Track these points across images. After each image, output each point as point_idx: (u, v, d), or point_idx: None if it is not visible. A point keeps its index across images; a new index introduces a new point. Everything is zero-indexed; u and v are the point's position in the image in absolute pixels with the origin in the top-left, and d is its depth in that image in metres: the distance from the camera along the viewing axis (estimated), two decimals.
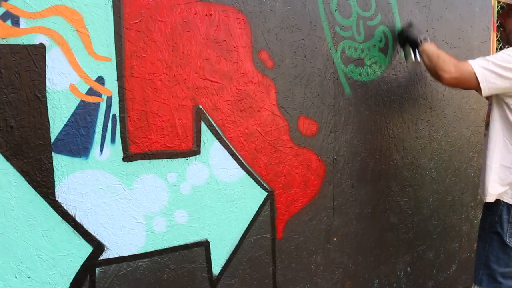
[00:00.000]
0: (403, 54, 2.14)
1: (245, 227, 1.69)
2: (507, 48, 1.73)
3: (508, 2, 1.86)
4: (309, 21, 1.79)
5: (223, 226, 1.62)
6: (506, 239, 1.74)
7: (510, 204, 1.74)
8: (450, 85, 1.78)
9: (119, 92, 1.33)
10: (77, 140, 1.27)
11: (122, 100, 1.34)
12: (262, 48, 1.65)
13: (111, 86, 1.32)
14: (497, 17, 1.89)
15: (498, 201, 1.79)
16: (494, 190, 1.78)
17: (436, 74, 1.77)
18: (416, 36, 1.93)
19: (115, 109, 1.33)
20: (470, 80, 1.68)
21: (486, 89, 1.66)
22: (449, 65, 1.71)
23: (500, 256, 1.76)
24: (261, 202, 1.72)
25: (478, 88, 1.68)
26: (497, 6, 1.91)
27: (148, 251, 1.45)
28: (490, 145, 1.81)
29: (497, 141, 1.78)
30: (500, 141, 1.77)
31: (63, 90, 1.23)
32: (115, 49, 1.31)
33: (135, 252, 1.42)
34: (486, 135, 1.92)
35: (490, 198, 1.80)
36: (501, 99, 1.73)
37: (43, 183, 1.22)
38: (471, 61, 1.69)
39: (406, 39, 2.02)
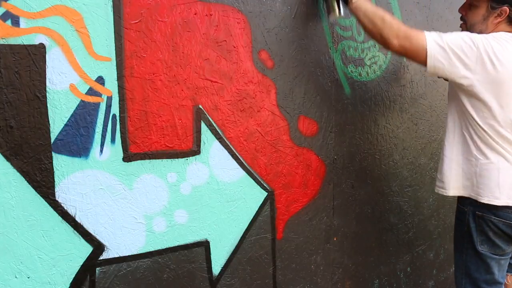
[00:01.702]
0: (321, 6, 1.84)
1: (245, 227, 1.69)
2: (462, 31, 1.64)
3: None
4: (309, 21, 1.79)
5: (223, 226, 1.62)
6: (478, 248, 1.69)
7: (475, 213, 1.69)
8: (397, 53, 1.65)
9: (119, 92, 1.33)
10: (77, 140, 1.27)
11: (122, 100, 1.34)
12: (262, 48, 1.65)
13: (111, 86, 1.32)
14: (459, 9, 1.79)
15: (464, 210, 1.73)
16: (457, 184, 1.72)
17: (381, 39, 1.61)
18: None
19: (115, 109, 1.33)
20: (419, 53, 1.56)
21: (432, 67, 1.57)
22: (398, 31, 1.56)
23: (479, 263, 1.71)
24: (261, 202, 1.72)
25: (423, 63, 1.59)
26: None
27: (148, 251, 1.45)
28: (449, 137, 1.74)
29: (456, 133, 1.71)
30: (459, 133, 1.71)
31: (63, 90, 1.23)
32: (115, 49, 1.31)
33: (135, 252, 1.42)
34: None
35: (453, 192, 1.74)
36: (458, 92, 1.66)
37: (43, 183, 1.22)
38: (426, 34, 1.56)
39: None
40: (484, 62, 1.54)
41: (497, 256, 1.70)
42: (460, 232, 1.77)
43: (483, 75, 1.55)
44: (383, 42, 1.62)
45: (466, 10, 1.76)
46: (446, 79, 1.99)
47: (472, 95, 1.60)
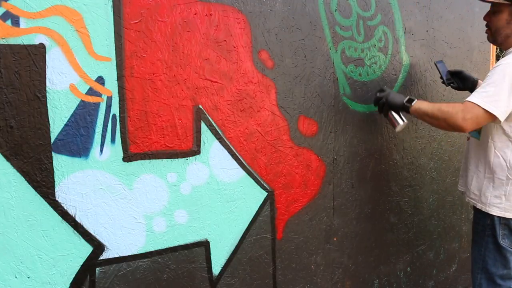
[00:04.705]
0: (396, 116, 1.92)
1: (245, 227, 1.69)
2: (495, 64, 1.70)
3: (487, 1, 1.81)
4: (309, 21, 1.79)
5: (223, 226, 1.62)
6: (500, 241, 1.74)
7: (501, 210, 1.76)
8: (471, 130, 1.71)
9: (119, 92, 1.33)
10: (77, 140, 1.27)
11: (122, 100, 1.34)
12: (262, 48, 1.65)
13: (111, 86, 1.32)
14: (484, 17, 1.86)
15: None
16: (487, 200, 1.79)
17: (451, 127, 1.69)
18: (399, 101, 1.83)
19: (115, 109, 1.33)
20: (486, 117, 1.64)
21: (503, 118, 1.64)
22: (457, 114, 1.64)
23: (497, 258, 1.75)
24: (261, 202, 1.72)
25: (494, 119, 1.65)
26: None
27: (148, 251, 1.45)
28: (483, 156, 1.80)
29: (491, 154, 1.77)
30: (493, 154, 1.77)
31: (63, 90, 1.23)
32: (115, 49, 1.31)
33: (135, 252, 1.42)
34: (469, 138, 1.93)
35: (481, 207, 1.81)
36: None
37: (43, 183, 1.22)
38: (474, 100, 1.64)
39: (388, 107, 1.88)
40: None
41: None
42: (482, 225, 1.81)
43: None
44: (455, 129, 1.70)
45: (490, 17, 1.82)
46: None
47: None
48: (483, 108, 1.62)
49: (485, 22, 1.85)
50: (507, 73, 1.61)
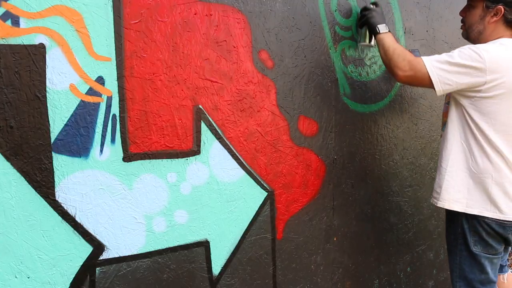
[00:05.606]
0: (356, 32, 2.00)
1: (245, 227, 1.69)
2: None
3: None
4: (309, 21, 1.79)
5: (223, 226, 1.62)
6: (472, 248, 1.70)
7: (468, 214, 1.69)
8: (404, 82, 1.76)
9: (119, 92, 1.33)
10: (77, 140, 1.27)
11: (122, 100, 1.34)
12: (262, 48, 1.65)
13: (111, 86, 1.32)
14: (459, 12, 1.85)
15: (457, 212, 1.73)
16: (449, 196, 1.73)
17: (390, 69, 1.73)
18: (376, 23, 1.81)
19: (115, 109, 1.33)
20: (424, 79, 1.63)
21: (440, 90, 1.62)
22: (403, 62, 1.66)
23: (473, 265, 1.72)
24: (261, 202, 1.72)
25: (432, 87, 1.64)
26: None
27: (148, 251, 1.45)
28: (447, 147, 1.74)
29: (454, 144, 1.72)
30: (457, 144, 1.71)
31: (63, 90, 1.23)
32: (115, 49, 1.31)
33: (135, 252, 1.42)
34: (442, 135, 1.86)
35: (443, 204, 1.75)
36: (459, 100, 1.67)
37: (43, 183, 1.22)
38: (425, 59, 1.63)
39: (365, 21, 1.87)
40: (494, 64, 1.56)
41: (490, 255, 1.71)
42: (454, 235, 1.77)
43: (494, 76, 1.57)
44: (391, 72, 1.73)
45: (465, 12, 1.80)
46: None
47: (480, 105, 1.61)
48: (426, 69, 1.61)
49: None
50: (466, 54, 1.59)
